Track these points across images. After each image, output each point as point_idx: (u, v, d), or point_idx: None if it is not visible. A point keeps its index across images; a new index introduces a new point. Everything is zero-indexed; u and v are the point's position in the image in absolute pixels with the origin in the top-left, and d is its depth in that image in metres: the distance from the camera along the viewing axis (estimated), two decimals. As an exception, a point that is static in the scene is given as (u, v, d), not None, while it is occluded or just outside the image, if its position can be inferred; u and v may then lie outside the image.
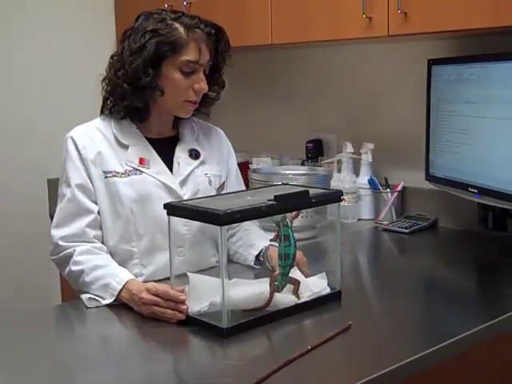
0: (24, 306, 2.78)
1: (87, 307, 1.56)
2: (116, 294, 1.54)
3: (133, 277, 1.59)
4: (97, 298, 1.57)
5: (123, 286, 1.54)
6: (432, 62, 2.16)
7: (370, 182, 2.41)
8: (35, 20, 2.93)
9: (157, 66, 1.66)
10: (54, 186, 2.87)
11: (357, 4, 2.04)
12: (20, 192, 2.92)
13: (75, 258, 1.62)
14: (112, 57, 1.73)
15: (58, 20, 2.99)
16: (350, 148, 2.46)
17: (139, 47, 1.65)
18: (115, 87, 1.69)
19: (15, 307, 2.80)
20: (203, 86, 1.70)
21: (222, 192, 1.83)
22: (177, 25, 1.67)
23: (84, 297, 1.59)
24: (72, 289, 1.70)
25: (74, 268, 1.62)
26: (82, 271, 1.60)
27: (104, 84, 1.72)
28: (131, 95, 1.68)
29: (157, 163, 1.73)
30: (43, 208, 2.97)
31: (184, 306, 1.42)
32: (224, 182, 1.86)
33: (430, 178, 2.20)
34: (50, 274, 2.76)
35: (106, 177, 1.68)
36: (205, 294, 1.43)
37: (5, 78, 2.86)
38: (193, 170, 1.77)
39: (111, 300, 1.54)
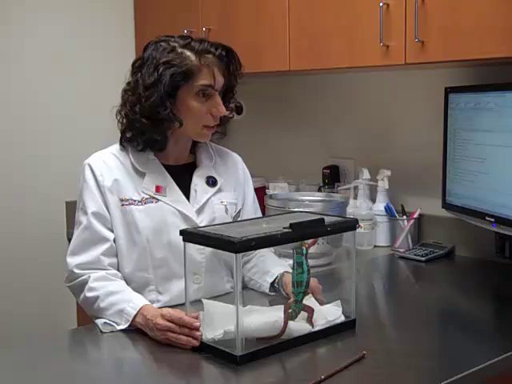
0: (40, 330, 2.80)
1: (102, 332, 1.57)
2: (131, 319, 1.54)
3: (147, 302, 1.59)
4: (112, 323, 1.57)
5: (138, 312, 1.54)
6: (449, 90, 2.16)
7: (387, 208, 2.41)
8: (60, 42, 2.98)
9: (173, 97, 1.67)
10: (71, 209, 2.90)
11: (374, 32, 2.05)
12: (38, 214, 2.95)
13: (90, 284, 1.63)
14: (125, 91, 1.73)
15: (77, 47, 3.03)
16: (366, 174, 2.46)
17: (154, 81, 1.65)
18: (133, 122, 1.70)
19: (31, 331, 2.81)
20: (221, 109, 1.71)
21: (239, 219, 1.84)
22: (187, 52, 1.68)
23: (99, 322, 1.59)
24: (87, 314, 1.70)
25: (88, 294, 1.63)
26: (97, 297, 1.61)
27: (119, 118, 1.73)
28: (150, 129, 1.68)
29: (173, 191, 1.74)
30: (61, 230, 2.99)
31: (198, 333, 1.42)
32: (240, 210, 1.86)
33: (446, 205, 2.20)
34: (66, 298, 2.78)
35: (122, 204, 1.69)
36: (219, 321, 1.43)
37: (24, 99, 2.90)
38: (209, 197, 1.78)
39: (126, 325, 1.55)
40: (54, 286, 2.81)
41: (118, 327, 1.56)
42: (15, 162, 2.90)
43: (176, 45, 1.69)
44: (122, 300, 1.58)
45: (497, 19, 1.80)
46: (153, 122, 1.67)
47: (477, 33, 1.85)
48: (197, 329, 1.42)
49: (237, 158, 1.93)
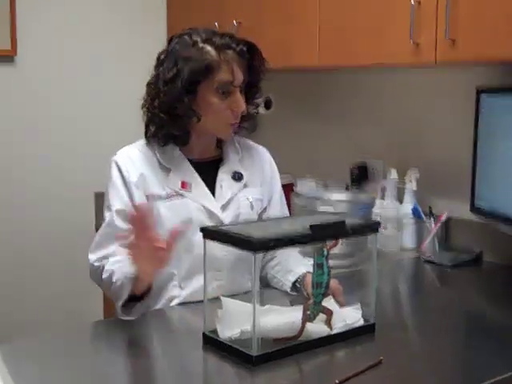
0: (68, 319, 2.83)
1: (120, 317, 1.57)
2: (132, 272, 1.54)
3: None
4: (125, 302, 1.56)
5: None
6: (480, 91, 2.12)
7: (414, 210, 2.37)
8: (86, 39, 3.01)
9: (192, 92, 1.67)
10: (100, 200, 2.93)
11: (404, 29, 2.02)
12: (67, 205, 2.99)
13: (106, 267, 1.65)
14: (149, 84, 1.74)
15: (108, 42, 3.06)
16: (394, 175, 2.43)
17: (172, 76, 1.65)
18: (153, 116, 1.71)
19: (58, 319, 2.85)
20: (241, 106, 1.70)
21: (264, 214, 1.83)
22: (208, 47, 1.67)
23: (117, 306, 1.59)
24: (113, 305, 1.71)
25: (105, 275, 1.64)
26: (112, 272, 1.61)
27: (144, 110, 1.74)
28: (169, 124, 1.69)
29: (199, 187, 1.74)
30: (90, 221, 3.02)
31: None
32: (266, 206, 1.85)
33: (475, 209, 2.16)
34: (94, 289, 2.81)
35: (148, 200, 1.70)
36: (237, 320, 1.42)
37: (56, 89, 2.95)
38: (235, 193, 1.77)
39: (130, 287, 1.54)
40: (83, 277, 2.85)
41: (125, 295, 1.55)
42: (45, 152, 2.94)
43: (198, 39, 1.68)
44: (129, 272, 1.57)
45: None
46: (171, 117, 1.68)
47: (508, 31, 1.79)
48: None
49: (264, 152, 1.91)
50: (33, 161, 2.91)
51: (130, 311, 1.58)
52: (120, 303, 1.58)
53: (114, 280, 1.61)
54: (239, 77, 1.69)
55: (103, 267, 1.66)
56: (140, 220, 1.43)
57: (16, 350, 1.46)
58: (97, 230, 2.89)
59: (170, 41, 1.74)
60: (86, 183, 2.99)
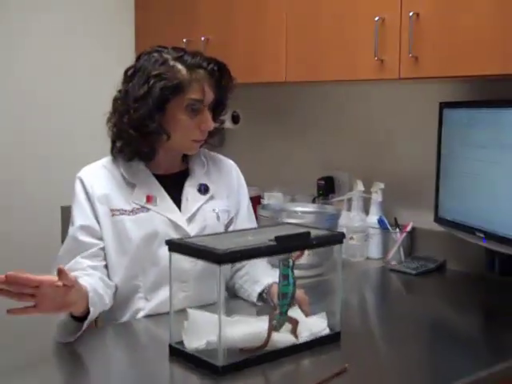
0: (31, 334, 2.80)
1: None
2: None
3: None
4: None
5: None
6: (444, 105, 2.17)
7: (380, 221, 2.41)
8: (50, 36, 2.99)
9: (162, 110, 1.68)
10: (67, 214, 2.91)
11: (369, 47, 2.07)
12: (33, 218, 2.96)
13: None
14: (116, 100, 1.74)
15: (78, 57, 3.06)
16: (360, 186, 2.47)
17: (143, 94, 1.66)
18: (121, 132, 1.71)
19: (24, 332, 2.82)
20: (209, 125, 1.73)
21: (231, 226, 1.85)
22: (179, 66, 1.69)
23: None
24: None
25: None
26: None
27: (110, 126, 1.74)
28: (137, 140, 1.70)
29: (164, 200, 1.75)
30: (56, 235, 3.00)
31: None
32: (233, 218, 1.87)
33: (438, 219, 2.21)
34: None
35: (113, 215, 1.70)
36: (203, 331, 1.43)
37: (24, 101, 2.92)
38: (201, 205, 1.79)
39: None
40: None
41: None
42: (13, 164, 2.91)
43: (169, 57, 1.70)
44: None
45: (492, 36, 1.81)
46: (140, 134, 1.69)
47: (471, 49, 1.86)
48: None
49: (231, 165, 1.93)
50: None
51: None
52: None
53: None
54: (209, 96, 1.71)
55: None
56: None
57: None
58: (63, 243, 2.91)
59: (138, 57, 1.75)
60: (52, 197, 2.98)
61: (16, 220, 2.93)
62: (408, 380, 1.40)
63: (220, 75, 1.74)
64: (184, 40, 2.62)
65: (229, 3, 2.60)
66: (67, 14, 3.01)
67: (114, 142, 1.76)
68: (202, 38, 2.62)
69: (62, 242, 2.84)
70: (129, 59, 3.04)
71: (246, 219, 1.90)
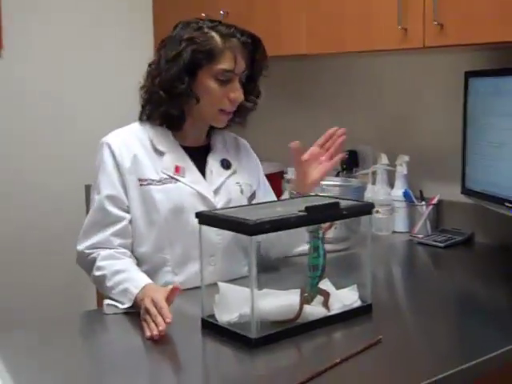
0: (60, 311, 2.83)
1: (105, 313, 1.57)
2: (133, 298, 1.54)
3: (150, 281, 1.59)
4: (116, 303, 1.57)
5: (140, 290, 1.54)
6: (469, 75, 2.13)
7: (405, 194, 2.38)
8: (75, 27, 2.99)
9: (193, 74, 1.68)
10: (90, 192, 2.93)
11: (392, 15, 2.03)
12: (58, 197, 2.98)
13: (98, 263, 1.64)
14: (149, 65, 1.75)
15: (97, 28, 3.05)
16: (385, 160, 2.44)
17: (175, 55, 1.67)
18: (152, 94, 1.71)
19: (51, 311, 2.84)
20: (238, 95, 1.71)
21: (254, 200, 1.84)
22: (213, 33, 1.69)
23: (104, 303, 1.60)
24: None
25: (97, 273, 1.64)
26: (105, 276, 1.62)
27: (142, 92, 1.75)
28: (167, 102, 1.69)
29: (192, 172, 1.74)
30: (81, 214, 3.00)
31: (161, 328, 1.40)
32: (255, 191, 1.87)
33: (465, 191, 2.17)
34: (85, 280, 2.79)
35: (141, 185, 1.69)
36: (235, 304, 1.43)
37: (43, 83, 2.92)
38: (225, 180, 1.79)
39: (129, 304, 1.55)
40: (75, 267, 2.84)
41: (122, 306, 1.56)
42: (33, 146, 2.92)
43: (204, 25, 1.70)
44: (126, 279, 1.58)
45: (518, 2, 1.76)
46: (170, 96, 1.68)
47: (498, 15, 1.81)
48: (167, 323, 1.40)
49: (246, 144, 1.95)
50: (20, 156, 2.89)
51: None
52: (106, 303, 1.59)
53: (107, 284, 1.61)
54: (240, 66, 1.70)
55: (94, 259, 1.66)
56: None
57: (11, 342, 1.46)
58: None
59: (175, 27, 1.75)
60: (76, 176, 2.98)
61: (40, 200, 2.94)
62: (440, 352, 1.38)
63: (254, 49, 1.74)
64: (203, 14, 2.58)
65: (248, -24, 2.56)
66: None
67: (143, 108, 1.76)
68: (221, 12, 2.59)
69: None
70: (148, 35, 3.12)
71: (265, 194, 1.91)
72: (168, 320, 1.40)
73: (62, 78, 2.96)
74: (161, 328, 1.39)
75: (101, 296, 2.78)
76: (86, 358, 1.41)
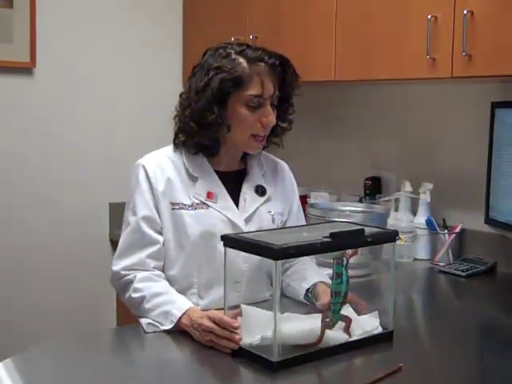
0: (80, 328, 2.85)
1: (145, 332, 1.59)
2: (176, 320, 1.56)
3: (192, 304, 1.61)
4: (156, 323, 1.59)
5: (183, 313, 1.56)
6: (495, 105, 2.14)
7: (428, 222, 2.39)
8: (104, 53, 3.05)
9: (222, 103, 1.68)
10: (115, 211, 2.97)
11: (421, 45, 2.05)
12: (82, 215, 3.01)
13: (135, 284, 1.66)
14: (181, 95, 1.76)
15: (127, 49, 3.11)
16: (408, 187, 2.45)
17: (203, 85, 1.67)
18: (184, 125, 1.72)
19: (70, 328, 2.87)
20: (271, 119, 1.71)
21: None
22: (240, 59, 1.68)
23: (143, 321, 1.61)
24: (127, 312, 1.73)
25: (134, 295, 1.66)
26: (143, 297, 1.63)
27: (176, 121, 1.76)
28: (199, 133, 1.70)
29: (224, 198, 1.75)
30: (104, 232, 3.05)
31: (237, 336, 1.43)
32: (286, 220, 1.86)
33: (489, 221, 2.18)
34: (107, 297, 2.83)
35: (173, 208, 1.71)
36: (257, 327, 1.44)
37: (74, 101, 2.98)
38: (258, 207, 1.78)
39: (170, 326, 1.57)
40: (96, 285, 2.87)
41: (162, 327, 1.58)
42: (60, 163, 2.97)
43: (231, 51, 1.70)
44: (167, 301, 1.60)
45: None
46: (201, 127, 1.69)
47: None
48: (236, 328, 1.43)
49: (285, 168, 1.93)
50: (48, 172, 2.93)
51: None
52: (146, 322, 1.61)
53: (145, 306, 1.62)
54: (269, 90, 1.69)
55: (130, 280, 1.67)
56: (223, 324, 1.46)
57: (30, 359, 1.47)
58: (111, 240, 2.94)
59: (204, 53, 1.75)
60: (101, 194, 3.02)
61: (65, 216, 2.98)
62: (460, 382, 1.38)
63: (283, 70, 1.72)
64: (232, 38, 2.63)
65: (278, 0, 2.60)
66: (116, 26, 3.07)
67: (176, 135, 1.77)
68: (251, 37, 2.63)
69: (110, 238, 2.94)
70: (178, 58, 3.17)
71: (295, 219, 1.89)
72: (235, 324, 1.43)
73: (91, 97, 3.00)
74: (237, 337, 1.43)
75: (122, 315, 2.83)
76: (116, 373, 1.42)
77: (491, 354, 1.56)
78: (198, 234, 1.70)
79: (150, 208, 1.70)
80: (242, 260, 1.70)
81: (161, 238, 1.71)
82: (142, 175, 1.72)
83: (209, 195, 1.73)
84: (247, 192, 1.79)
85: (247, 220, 1.75)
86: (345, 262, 1.46)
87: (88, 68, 2.99)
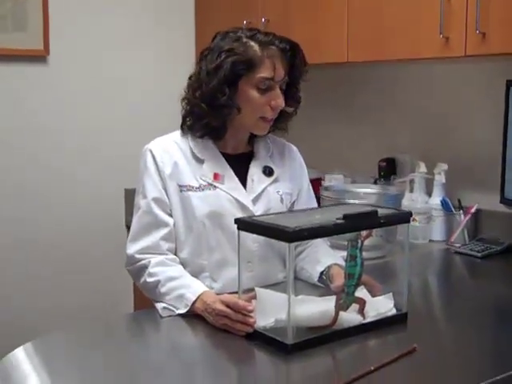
0: (97, 313, 2.89)
1: (161, 316, 1.61)
2: (190, 304, 1.57)
3: (206, 288, 1.62)
4: (171, 307, 1.61)
5: (198, 297, 1.57)
6: (511, 83, 2.12)
7: (443, 202, 2.38)
8: (117, 39, 3.06)
9: (233, 85, 1.69)
10: (130, 196, 2.95)
11: (434, 24, 2.03)
12: (97, 201, 3.04)
13: (150, 269, 1.68)
14: (190, 77, 1.77)
15: (139, 37, 3.11)
16: (423, 168, 2.44)
17: (215, 67, 1.69)
18: (194, 107, 1.74)
19: (89, 314, 2.91)
20: (280, 102, 1.72)
21: (293, 209, 1.85)
22: (252, 43, 1.70)
23: (159, 306, 1.63)
24: (144, 297, 1.75)
25: (149, 279, 1.67)
26: (158, 282, 1.65)
27: (183, 104, 1.77)
28: (209, 114, 1.71)
29: (231, 179, 1.76)
30: (120, 217, 3.07)
31: (252, 320, 1.44)
32: (295, 201, 1.87)
33: (505, 201, 2.16)
34: (124, 283, 2.85)
35: (181, 190, 1.73)
36: (271, 310, 1.44)
37: (88, 89, 3.00)
38: (266, 187, 1.80)
39: (185, 310, 1.58)
40: (113, 271, 2.90)
41: (177, 311, 1.59)
42: (76, 149, 2.99)
43: (242, 35, 1.71)
44: (181, 285, 1.62)
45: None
46: (212, 108, 1.70)
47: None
48: (250, 312, 1.44)
49: (293, 150, 1.94)
50: (64, 158, 2.96)
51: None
52: (162, 306, 1.63)
53: (161, 290, 1.64)
54: (280, 73, 1.71)
55: (145, 265, 1.69)
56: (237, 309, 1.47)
57: (51, 343, 1.49)
58: (127, 226, 2.96)
59: (214, 38, 1.76)
60: (117, 180, 3.04)
61: (80, 203, 3.00)
62: (475, 363, 1.39)
63: (293, 55, 1.74)
64: (244, 22, 2.62)
65: (289, -16, 2.59)
66: (128, 9, 3.06)
67: (184, 119, 1.79)
68: (263, 20, 2.62)
69: (126, 224, 2.96)
70: (190, 43, 3.16)
71: (306, 201, 1.90)
72: (250, 307, 1.44)
73: (104, 86, 3.02)
74: (252, 320, 1.44)
75: (139, 300, 2.85)
76: (132, 357, 1.44)
77: (506, 335, 1.55)
78: (206, 215, 1.71)
79: (159, 190, 1.72)
80: (252, 240, 1.71)
81: (171, 220, 1.73)
82: (149, 159, 1.74)
83: (216, 177, 1.75)
84: (254, 173, 1.80)
85: (255, 200, 1.76)
86: (359, 244, 1.46)
87: (101, 54, 3.00)
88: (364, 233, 1.48)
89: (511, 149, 2.12)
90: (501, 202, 2.18)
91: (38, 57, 2.83)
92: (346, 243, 1.47)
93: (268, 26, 2.57)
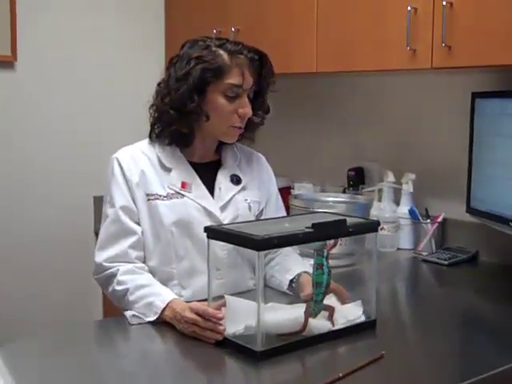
0: (66, 321, 2.85)
1: (130, 324, 1.60)
2: (159, 312, 1.57)
3: (176, 296, 1.62)
4: (140, 315, 1.60)
5: (167, 305, 1.57)
6: (476, 95, 2.16)
7: (411, 212, 2.41)
8: (86, 42, 3.05)
9: (202, 92, 1.70)
10: (99, 204, 2.94)
11: (401, 36, 2.06)
12: (66, 209, 3.01)
13: (119, 277, 1.67)
14: (159, 84, 1.78)
15: (109, 44, 3.10)
16: (391, 177, 2.47)
17: (184, 74, 1.70)
18: (162, 113, 1.74)
19: (57, 321, 2.87)
20: (247, 110, 1.74)
21: (262, 217, 1.86)
22: (221, 51, 1.72)
23: (128, 314, 1.62)
24: (114, 306, 1.74)
25: (118, 287, 1.67)
26: (127, 290, 1.64)
27: (151, 111, 1.78)
28: (177, 121, 1.72)
29: (198, 187, 1.77)
30: (88, 225, 3.05)
31: (221, 327, 1.44)
32: (263, 209, 1.88)
33: (471, 210, 2.20)
34: (93, 291, 2.82)
35: (148, 199, 1.73)
36: (241, 317, 1.45)
37: (56, 95, 2.97)
38: (234, 195, 1.81)
39: (154, 318, 1.58)
40: (82, 278, 2.87)
41: (147, 319, 1.59)
42: (44, 156, 2.96)
43: (211, 44, 1.73)
44: (150, 293, 1.62)
45: (525, 25, 1.80)
46: (180, 115, 1.71)
47: (505, 38, 1.84)
48: (220, 319, 1.44)
49: (261, 158, 1.96)
50: (32, 165, 2.93)
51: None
52: (131, 314, 1.62)
53: (130, 299, 1.63)
54: (249, 81, 1.73)
55: (114, 273, 1.68)
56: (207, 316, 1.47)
57: (17, 350, 1.48)
58: (96, 233, 2.94)
59: (182, 46, 1.78)
60: (85, 187, 3.02)
61: (49, 211, 2.97)
62: (442, 369, 1.40)
63: (261, 65, 1.76)
64: (214, 31, 2.64)
65: (259, -7, 2.61)
66: (97, 13, 3.05)
67: (152, 126, 1.79)
68: (233, 29, 2.63)
69: (95, 231, 2.93)
70: (159, 47, 3.16)
71: (274, 210, 1.91)
72: (219, 315, 1.44)
73: (73, 93, 3.00)
74: (221, 328, 1.44)
75: (108, 307, 2.83)
76: (100, 364, 1.43)
77: (473, 341, 1.58)
78: (174, 223, 1.71)
79: (126, 199, 1.72)
80: (220, 248, 1.71)
81: (139, 229, 1.72)
82: (116, 168, 1.74)
83: (183, 185, 1.75)
84: (222, 181, 1.81)
85: (223, 208, 1.77)
86: (325, 253, 1.48)
87: (70, 60, 2.98)
88: (330, 243, 1.49)
89: (477, 160, 2.16)
90: (467, 211, 2.21)
91: (6, 62, 2.80)
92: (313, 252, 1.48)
93: (238, 36, 2.59)
